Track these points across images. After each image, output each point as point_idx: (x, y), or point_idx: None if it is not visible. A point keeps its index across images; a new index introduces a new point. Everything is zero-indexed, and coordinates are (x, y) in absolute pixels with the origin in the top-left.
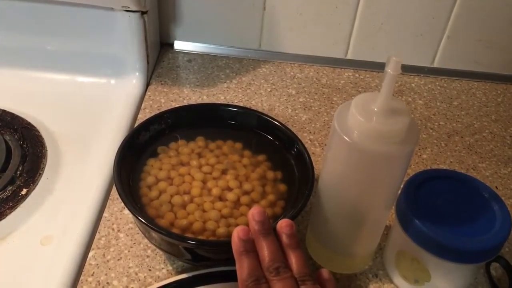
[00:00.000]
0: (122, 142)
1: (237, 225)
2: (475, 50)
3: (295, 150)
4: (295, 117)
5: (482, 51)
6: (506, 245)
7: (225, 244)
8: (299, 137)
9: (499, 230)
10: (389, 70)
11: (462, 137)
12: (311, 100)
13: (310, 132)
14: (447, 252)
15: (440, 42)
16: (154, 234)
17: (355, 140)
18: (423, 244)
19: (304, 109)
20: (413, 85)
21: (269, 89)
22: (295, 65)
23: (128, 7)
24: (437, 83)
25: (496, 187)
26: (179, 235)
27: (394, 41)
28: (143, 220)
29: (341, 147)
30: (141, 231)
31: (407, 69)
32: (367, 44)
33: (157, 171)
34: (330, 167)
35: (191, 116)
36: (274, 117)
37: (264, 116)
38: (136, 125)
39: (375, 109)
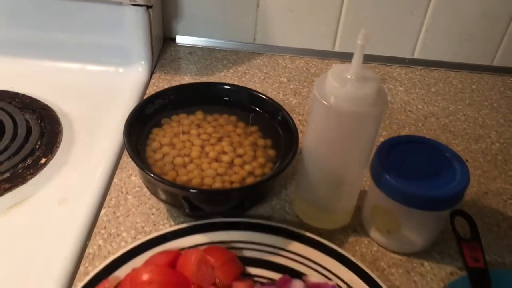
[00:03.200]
0: (131, 112)
1: (231, 181)
2: (453, 42)
3: (280, 117)
4: (286, 101)
5: (459, 43)
6: (468, 202)
7: (218, 193)
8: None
9: (459, 182)
10: (359, 41)
11: (437, 118)
12: (301, 87)
13: (299, 114)
14: (413, 201)
15: (419, 35)
16: (158, 186)
17: (332, 103)
18: (393, 196)
19: (294, 94)
20: (394, 74)
21: (262, 77)
22: (287, 57)
23: (136, 1)
24: (417, 73)
25: (467, 160)
26: (181, 185)
27: (377, 34)
28: (150, 174)
29: (321, 111)
30: (147, 187)
31: (389, 60)
32: (352, 38)
33: (161, 138)
34: (311, 132)
35: (191, 92)
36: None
37: (253, 92)
38: None
39: (349, 76)
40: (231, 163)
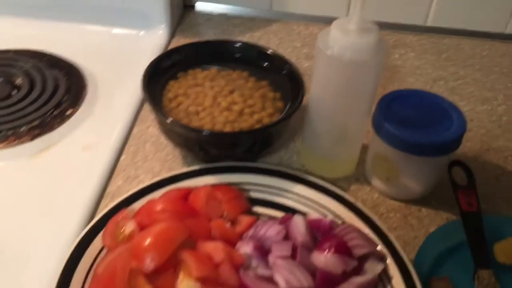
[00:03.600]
0: (149, 64)
1: (240, 128)
2: (465, 9)
3: (287, 70)
4: (298, 64)
5: (471, 10)
6: (469, 158)
7: (228, 135)
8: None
9: (456, 130)
10: None
11: (446, 81)
12: (313, 51)
13: (310, 76)
14: (411, 147)
15: (432, 3)
16: (174, 130)
17: (335, 53)
18: (392, 143)
19: (306, 58)
20: (407, 41)
21: (277, 42)
22: (301, 23)
23: None
24: (429, 40)
25: (471, 119)
26: (194, 128)
27: (391, 2)
28: (166, 118)
29: (324, 62)
30: (163, 132)
31: (401, 27)
32: (366, 5)
33: (176, 89)
34: (316, 83)
35: (205, 49)
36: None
37: (262, 48)
38: None
39: (350, 27)
40: (241, 112)
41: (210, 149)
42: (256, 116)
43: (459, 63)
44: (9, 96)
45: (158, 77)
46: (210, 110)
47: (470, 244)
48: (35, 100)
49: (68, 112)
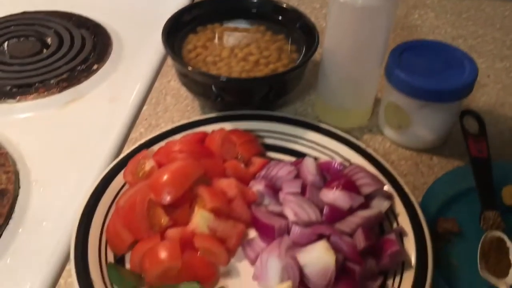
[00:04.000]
0: (170, 18)
1: (255, 77)
2: None
3: (302, 23)
4: (317, 24)
5: None
6: (484, 112)
7: (244, 81)
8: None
9: (467, 76)
10: None
11: (465, 40)
12: None
13: None
14: (422, 93)
15: None
16: (192, 78)
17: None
18: (403, 90)
19: (324, 18)
20: (427, 2)
21: (296, 4)
22: None
23: None
24: (450, 0)
25: (488, 75)
26: (211, 73)
27: None
28: (185, 66)
29: (337, 10)
30: (182, 82)
31: None
32: None
33: (195, 41)
34: (330, 33)
35: (224, 5)
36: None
37: (277, 3)
38: None
39: None
40: (257, 62)
41: (227, 96)
42: (271, 66)
43: (480, 22)
44: (40, 52)
45: (179, 30)
46: (227, 61)
47: (477, 187)
48: (63, 56)
49: (94, 67)
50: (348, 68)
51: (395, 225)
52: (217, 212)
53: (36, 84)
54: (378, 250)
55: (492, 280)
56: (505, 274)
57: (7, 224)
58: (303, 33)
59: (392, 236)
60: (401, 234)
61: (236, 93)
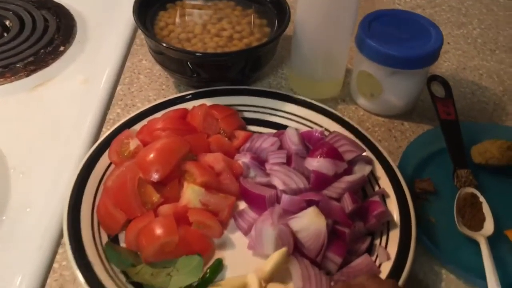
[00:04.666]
0: None
1: (231, 51)
2: None
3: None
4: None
5: None
6: (447, 77)
7: (220, 55)
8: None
9: (433, 43)
10: None
11: (423, 9)
12: None
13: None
14: (392, 60)
15: None
16: (167, 55)
17: None
18: (374, 58)
19: None
20: None
21: None
22: None
23: None
24: None
25: (448, 42)
26: (187, 49)
27: None
28: (160, 43)
29: None
30: (156, 60)
31: None
32: None
33: (166, 18)
34: (301, 6)
35: None
36: None
37: None
38: None
39: None
40: (230, 37)
41: (203, 72)
42: (245, 41)
43: None
44: (0, 36)
45: (148, 8)
46: (201, 37)
47: (448, 147)
48: (27, 39)
49: (61, 49)
50: (320, 40)
51: (376, 188)
52: (207, 186)
53: (1, 70)
54: (364, 212)
55: (469, 233)
56: (480, 227)
57: None
58: (274, 6)
59: (377, 198)
60: (383, 196)
61: (212, 69)
